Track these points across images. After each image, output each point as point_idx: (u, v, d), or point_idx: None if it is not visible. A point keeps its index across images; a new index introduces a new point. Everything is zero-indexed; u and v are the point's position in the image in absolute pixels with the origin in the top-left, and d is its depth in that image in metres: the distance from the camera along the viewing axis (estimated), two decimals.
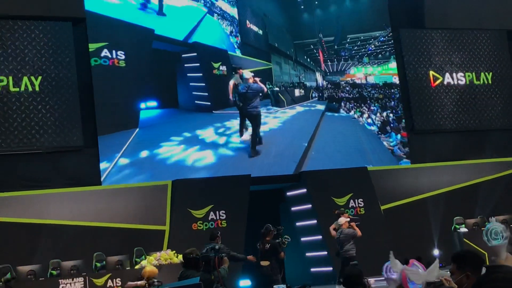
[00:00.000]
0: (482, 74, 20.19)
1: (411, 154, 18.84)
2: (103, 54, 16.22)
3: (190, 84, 18.44)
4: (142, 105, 16.88)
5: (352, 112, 19.69)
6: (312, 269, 17.42)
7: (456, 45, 20.04)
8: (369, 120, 19.61)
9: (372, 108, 19.81)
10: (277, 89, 19.39)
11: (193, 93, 18.41)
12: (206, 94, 18.61)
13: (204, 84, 18.62)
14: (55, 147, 15.40)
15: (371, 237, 15.60)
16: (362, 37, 20.47)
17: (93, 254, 14.07)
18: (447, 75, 19.75)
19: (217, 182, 16.23)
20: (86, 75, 15.95)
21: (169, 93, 17.93)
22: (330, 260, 16.16)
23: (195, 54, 18.59)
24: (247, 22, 19.54)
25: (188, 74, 18.48)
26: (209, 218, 15.70)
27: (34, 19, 15.66)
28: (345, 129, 19.33)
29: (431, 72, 19.54)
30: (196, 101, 18.42)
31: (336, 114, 19.71)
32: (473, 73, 20.09)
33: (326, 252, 16.52)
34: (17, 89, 15.25)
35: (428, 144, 19.16)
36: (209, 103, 18.43)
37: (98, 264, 13.90)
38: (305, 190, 17.19)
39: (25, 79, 15.33)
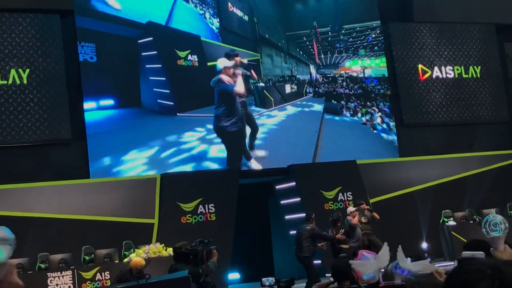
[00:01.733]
0: (471, 67, 20.26)
1: (400, 148, 18.89)
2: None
3: (150, 78, 16.21)
4: (91, 105, 15.51)
5: (359, 115, 18.71)
6: None
7: (445, 38, 20.09)
8: (384, 126, 18.77)
9: (383, 109, 18.93)
10: (262, 85, 17.59)
11: (154, 89, 16.24)
12: (168, 91, 16.31)
13: (164, 79, 16.24)
14: (43, 140, 15.34)
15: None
16: (358, 28, 19.57)
17: (82, 248, 14.04)
18: (436, 68, 19.80)
19: (206, 176, 16.21)
20: (75, 68, 15.88)
21: (130, 89, 16.04)
22: (318, 252, 16.20)
23: (151, 38, 16.19)
24: (229, 4, 17.36)
25: (146, 66, 16.24)
26: (198, 212, 15.70)
27: (22, 12, 15.57)
28: (356, 145, 18.06)
29: (420, 66, 19.59)
30: (158, 100, 16.25)
31: (337, 118, 18.58)
32: (462, 67, 20.16)
33: None
34: (5, 82, 15.17)
35: (417, 137, 19.22)
36: (172, 103, 16.33)
37: (87, 258, 13.88)
38: (294, 183, 17.21)
39: (13, 71, 15.25)
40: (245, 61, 17.24)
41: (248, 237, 17.40)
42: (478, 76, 20.26)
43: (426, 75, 19.63)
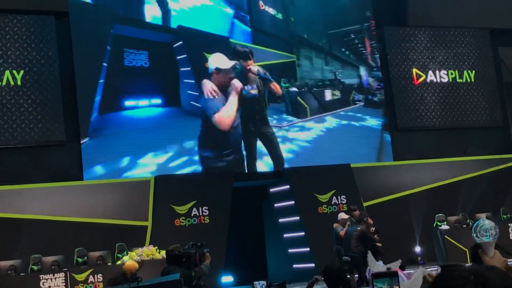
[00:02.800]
0: (465, 72, 20.31)
1: (394, 151, 18.91)
2: None
3: (184, 81, 16.62)
4: (144, 102, 16.11)
5: None
6: (294, 265, 17.47)
7: (440, 43, 20.14)
8: None
9: None
10: (295, 89, 16.26)
11: (188, 92, 16.49)
12: (197, 94, 16.47)
13: (193, 81, 16.49)
14: (37, 141, 15.33)
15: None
16: None
17: (75, 250, 14.02)
18: (430, 73, 19.85)
19: (200, 178, 16.21)
20: (69, 70, 15.86)
21: (172, 90, 16.49)
22: (312, 256, 16.23)
23: (181, 42, 16.66)
24: (260, 3, 16.56)
25: (180, 69, 16.74)
26: (192, 214, 15.70)
27: (16, 13, 15.57)
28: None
29: (414, 70, 19.63)
30: (191, 102, 16.45)
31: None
32: (456, 71, 20.21)
33: (308, 249, 16.58)
34: None
35: (411, 141, 19.25)
36: (200, 105, 16.40)
37: (80, 260, 13.86)
38: (288, 186, 17.21)
39: (7, 73, 15.24)
40: (255, 69, 15.83)
41: (242, 240, 17.38)
42: (473, 80, 20.31)
43: (421, 79, 19.67)
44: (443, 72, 20.02)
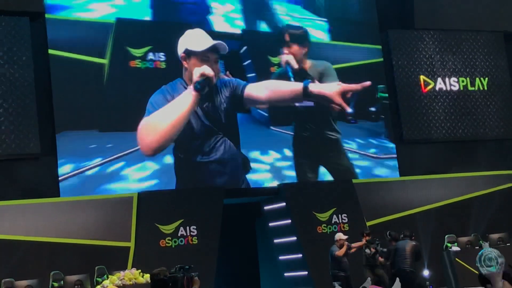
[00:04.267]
0: (477, 79, 20.41)
1: (400, 166, 18.93)
2: (148, 57, 16.26)
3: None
4: None
5: None
6: None
7: (449, 47, 20.24)
8: None
9: None
10: None
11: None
12: None
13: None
14: (9, 154, 15.26)
15: (355, 255, 15.69)
16: None
17: (50, 273, 13.98)
18: (439, 80, 19.93)
19: (187, 194, 16.20)
20: (45, 75, 15.86)
21: None
22: (310, 280, 16.22)
23: (246, 47, 17.30)
24: None
25: (247, 75, 17.30)
26: (179, 234, 15.68)
27: None
28: None
29: (422, 77, 19.71)
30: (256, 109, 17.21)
31: None
32: (468, 78, 20.31)
33: (306, 272, 16.58)
34: None
35: (418, 155, 19.30)
36: (266, 114, 17.18)
37: (56, 284, 13.82)
38: (284, 204, 17.23)
39: None
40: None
41: (233, 263, 17.39)
42: (485, 88, 20.41)
43: (429, 87, 19.76)
44: (453, 79, 20.12)
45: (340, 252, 14.09)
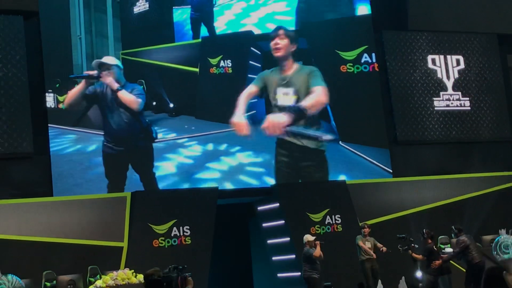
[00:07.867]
0: (471, 81, 20.41)
1: (393, 167, 18.95)
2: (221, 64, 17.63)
3: None
4: None
5: None
6: None
7: (443, 49, 20.25)
8: None
9: None
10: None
11: None
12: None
13: None
14: (2, 153, 15.26)
15: (347, 256, 15.73)
16: None
17: (42, 273, 13.97)
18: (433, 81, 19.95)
19: (181, 195, 16.21)
20: (38, 75, 15.85)
21: None
22: (304, 281, 16.22)
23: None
24: None
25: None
26: (172, 234, 15.68)
27: None
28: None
29: (415, 78, 19.71)
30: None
31: None
32: (461, 80, 20.31)
33: (299, 273, 16.57)
34: None
35: (411, 156, 19.32)
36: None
37: (48, 284, 13.83)
38: (277, 204, 17.23)
39: None
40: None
41: (227, 263, 17.39)
42: (479, 90, 20.43)
43: (422, 88, 19.75)
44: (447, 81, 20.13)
45: (317, 252, 14.05)
